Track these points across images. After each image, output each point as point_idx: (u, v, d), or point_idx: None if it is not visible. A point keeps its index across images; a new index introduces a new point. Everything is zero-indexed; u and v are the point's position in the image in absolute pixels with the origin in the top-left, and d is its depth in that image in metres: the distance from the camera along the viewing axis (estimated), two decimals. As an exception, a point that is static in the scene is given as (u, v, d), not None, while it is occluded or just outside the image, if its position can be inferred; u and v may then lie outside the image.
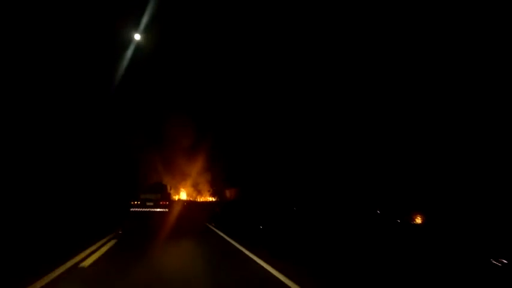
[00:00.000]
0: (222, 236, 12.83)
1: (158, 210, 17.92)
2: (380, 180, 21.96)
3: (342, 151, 27.09)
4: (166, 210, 17.95)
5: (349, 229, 14.99)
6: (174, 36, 43.35)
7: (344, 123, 29.43)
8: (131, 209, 17.75)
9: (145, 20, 27.16)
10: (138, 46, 29.47)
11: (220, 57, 45.42)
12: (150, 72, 42.76)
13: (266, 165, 40.63)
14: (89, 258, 7.56)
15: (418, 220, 17.75)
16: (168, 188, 20.91)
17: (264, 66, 42.81)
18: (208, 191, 44.54)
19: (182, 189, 44.96)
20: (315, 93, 35.32)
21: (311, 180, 29.92)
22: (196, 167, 43.68)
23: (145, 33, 28.52)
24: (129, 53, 30.55)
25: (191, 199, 43.61)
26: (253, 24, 40.09)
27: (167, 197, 19.04)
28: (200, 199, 44.40)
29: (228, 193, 43.73)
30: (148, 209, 17.81)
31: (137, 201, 17.85)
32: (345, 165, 26.50)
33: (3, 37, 22.74)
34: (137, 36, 27.80)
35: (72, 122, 31.53)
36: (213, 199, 44.33)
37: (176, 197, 43.37)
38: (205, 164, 43.83)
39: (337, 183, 24.61)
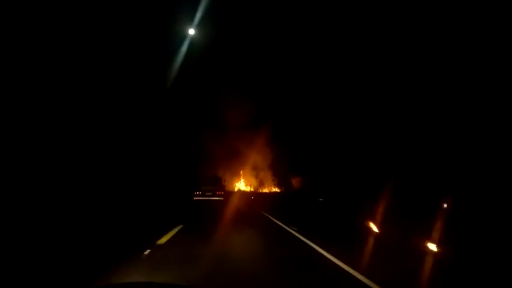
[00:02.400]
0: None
1: (216, 198, 21.27)
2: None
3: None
4: (222, 198, 21.22)
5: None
6: (232, 20, 38.46)
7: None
8: (194, 198, 21.21)
9: (201, 11, 27.26)
10: (194, 38, 29.38)
11: (277, 38, 39.40)
12: (206, 58, 38.31)
13: (341, 148, 33.69)
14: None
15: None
16: (223, 180, 24.31)
17: (332, 48, 36.25)
18: (273, 180, 38.69)
19: (242, 179, 39.64)
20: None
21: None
22: (257, 154, 38.06)
23: (203, 21, 28.01)
24: (184, 47, 31.11)
25: (252, 190, 38.12)
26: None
27: (222, 188, 22.45)
28: (264, 190, 38.73)
29: (295, 183, 37.57)
30: (207, 198, 21.17)
31: (199, 192, 21.44)
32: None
33: (61, 34, 22.97)
34: (191, 31, 28.18)
35: (137, 120, 31.54)
36: (278, 190, 38.39)
37: (236, 187, 38.19)
38: (267, 149, 38.04)
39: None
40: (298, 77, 39.76)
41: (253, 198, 30.34)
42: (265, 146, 37.98)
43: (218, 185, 22.78)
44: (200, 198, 21.36)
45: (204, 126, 37.95)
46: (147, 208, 17.39)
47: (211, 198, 21.35)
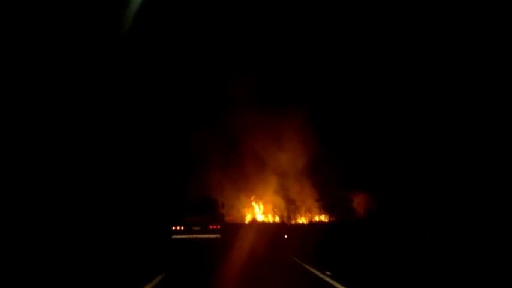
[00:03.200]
0: None
1: (207, 236, 13.86)
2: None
3: None
4: (218, 236, 13.86)
5: None
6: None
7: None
8: (173, 236, 13.79)
9: None
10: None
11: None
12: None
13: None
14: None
15: None
16: (220, 204, 15.47)
17: None
18: (317, 200, 20.87)
19: (254, 202, 22.24)
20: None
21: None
22: (282, 157, 21.26)
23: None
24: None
25: (279, 220, 20.58)
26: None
27: (218, 218, 14.66)
28: (300, 219, 20.98)
29: (359, 205, 20.09)
30: (195, 236, 13.81)
31: (181, 226, 14.01)
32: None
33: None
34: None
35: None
36: (325, 219, 20.81)
37: (247, 216, 21.19)
38: (299, 147, 21.21)
39: None
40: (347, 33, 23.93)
41: (287, 238, 15.12)
42: (296, 141, 21.24)
43: (212, 213, 14.73)
44: (183, 236, 13.67)
45: (192, 115, 22.59)
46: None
47: (200, 236, 13.64)
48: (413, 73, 21.90)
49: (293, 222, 20.08)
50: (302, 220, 20.39)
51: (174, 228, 13.87)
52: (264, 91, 23.85)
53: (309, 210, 20.65)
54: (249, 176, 20.80)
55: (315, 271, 6.98)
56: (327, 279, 6.06)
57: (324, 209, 20.58)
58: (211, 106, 24.00)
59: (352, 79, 23.06)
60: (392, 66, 22.40)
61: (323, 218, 20.54)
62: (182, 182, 20.12)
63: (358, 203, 20.27)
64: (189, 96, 24.28)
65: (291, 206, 20.59)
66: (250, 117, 22.42)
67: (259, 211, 20.90)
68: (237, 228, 17.55)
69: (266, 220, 20.38)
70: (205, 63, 24.78)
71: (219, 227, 13.95)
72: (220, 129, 22.84)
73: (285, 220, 19.93)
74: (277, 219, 20.50)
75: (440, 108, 20.55)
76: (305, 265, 7.88)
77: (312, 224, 19.09)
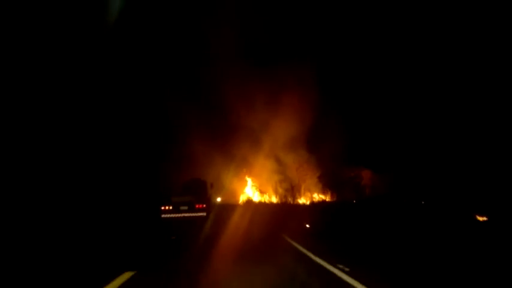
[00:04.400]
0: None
1: (194, 215, 14.22)
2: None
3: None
4: (204, 214, 14.25)
5: None
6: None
7: None
8: (162, 215, 14.30)
9: None
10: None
11: None
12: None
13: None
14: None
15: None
16: (209, 185, 15.62)
17: None
18: (318, 177, 18.32)
19: (250, 180, 19.41)
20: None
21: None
22: (280, 128, 18.43)
23: None
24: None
25: (278, 200, 17.92)
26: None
27: (204, 198, 14.76)
28: (299, 199, 18.37)
29: (366, 182, 17.80)
30: (183, 214, 14.24)
31: (169, 206, 14.33)
32: None
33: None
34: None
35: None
36: (326, 198, 18.40)
37: (242, 197, 18.52)
38: (296, 115, 18.42)
39: None
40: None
41: (309, 228, 11.73)
42: (293, 109, 18.45)
43: (199, 193, 14.63)
44: (171, 215, 14.01)
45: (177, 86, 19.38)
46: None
47: (187, 215, 13.93)
48: (422, 41, 19.62)
49: (290, 201, 17.52)
50: (302, 200, 17.87)
51: (163, 208, 14.13)
52: (252, 50, 20.81)
53: (308, 189, 18.15)
54: (241, 150, 17.88)
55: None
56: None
57: (328, 187, 18.18)
58: (191, 67, 20.64)
59: (350, 35, 20.37)
60: (401, 30, 19.97)
61: (323, 197, 18.16)
62: (169, 164, 17.78)
63: (364, 180, 18.02)
64: (167, 57, 20.76)
65: (290, 184, 17.93)
66: (237, 79, 19.42)
67: (255, 190, 18.15)
68: (230, 208, 15.18)
69: (263, 200, 17.71)
70: (184, 18, 21.19)
71: (204, 206, 14.18)
72: (203, 97, 19.72)
73: (285, 200, 17.32)
74: (273, 199, 17.83)
75: (448, 79, 18.56)
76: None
77: (318, 204, 16.59)
